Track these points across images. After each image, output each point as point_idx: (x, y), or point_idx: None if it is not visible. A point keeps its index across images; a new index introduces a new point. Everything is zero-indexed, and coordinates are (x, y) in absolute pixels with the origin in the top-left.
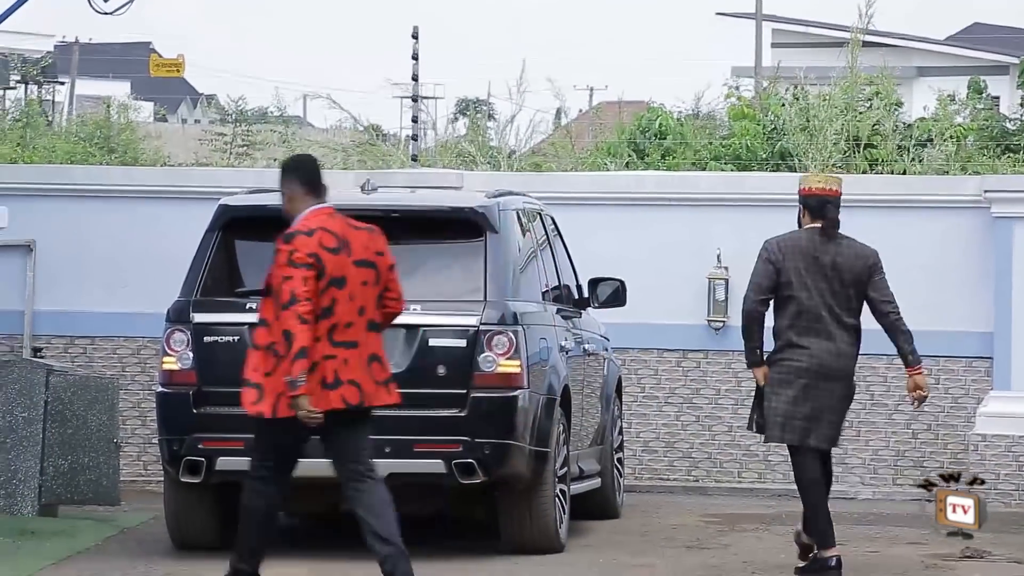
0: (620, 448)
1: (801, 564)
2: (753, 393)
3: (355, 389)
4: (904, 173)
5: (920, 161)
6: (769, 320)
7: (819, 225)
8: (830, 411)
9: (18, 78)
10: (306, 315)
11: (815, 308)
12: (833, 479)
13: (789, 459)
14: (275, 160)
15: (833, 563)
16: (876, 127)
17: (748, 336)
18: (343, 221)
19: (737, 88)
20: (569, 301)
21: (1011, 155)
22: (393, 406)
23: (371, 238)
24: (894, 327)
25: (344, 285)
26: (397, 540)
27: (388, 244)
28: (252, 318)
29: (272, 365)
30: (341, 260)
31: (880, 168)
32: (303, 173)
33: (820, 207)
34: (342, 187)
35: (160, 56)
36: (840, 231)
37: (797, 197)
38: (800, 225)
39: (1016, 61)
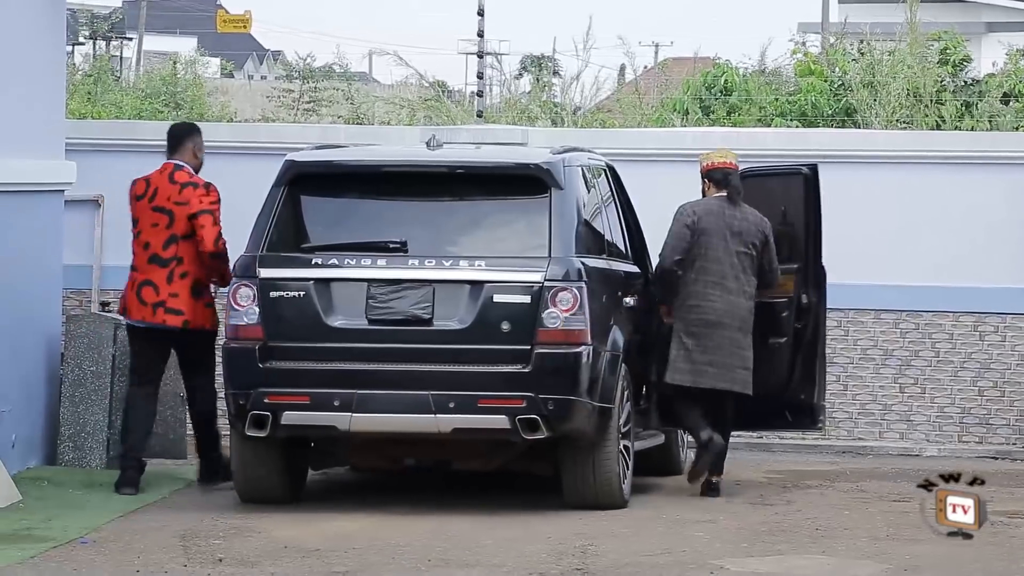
0: None
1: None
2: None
3: (122, 303)
4: (971, 129)
5: (988, 117)
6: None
7: (725, 194)
8: (731, 356)
9: (87, 34)
10: None
11: (720, 266)
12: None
13: (852, 416)
14: (340, 117)
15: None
16: (942, 83)
17: (666, 287)
18: (167, 175)
19: (804, 44)
20: (634, 257)
21: None
22: (457, 361)
23: (180, 192)
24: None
25: (136, 225)
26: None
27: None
28: (318, 273)
29: None
30: (141, 205)
31: (946, 125)
32: (167, 137)
33: (724, 178)
34: (408, 143)
35: (227, 12)
36: (741, 199)
37: (701, 174)
38: (704, 196)
39: None
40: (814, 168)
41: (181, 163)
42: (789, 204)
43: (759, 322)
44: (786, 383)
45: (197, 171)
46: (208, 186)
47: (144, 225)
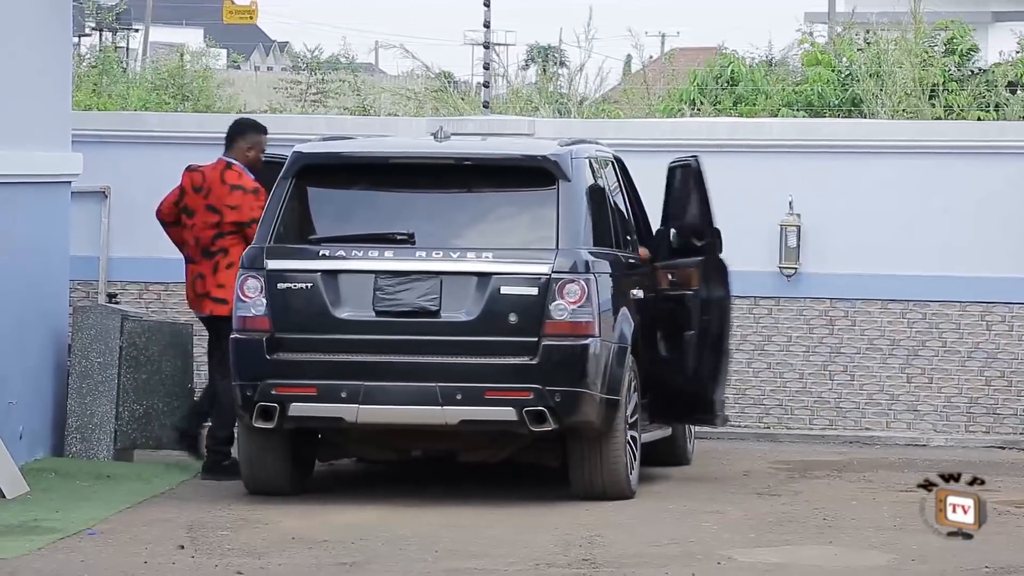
0: None
1: None
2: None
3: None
4: (978, 119)
5: (996, 107)
6: None
7: None
8: None
9: (93, 25)
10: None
11: None
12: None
13: (860, 406)
14: (346, 108)
15: None
16: (949, 73)
17: None
18: (218, 173)
19: (811, 34)
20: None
21: None
22: (464, 353)
23: (230, 193)
24: None
25: (191, 216)
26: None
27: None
28: (326, 265)
29: None
30: (196, 198)
31: (954, 115)
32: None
33: None
34: (415, 134)
35: (233, 3)
36: None
37: None
38: None
39: None
40: (697, 159)
41: (232, 160)
42: (685, 196)
43: (671, 316)
44: (688, 377)
45: (251, 168)
46: (257, 191)
47: (198, 220)
